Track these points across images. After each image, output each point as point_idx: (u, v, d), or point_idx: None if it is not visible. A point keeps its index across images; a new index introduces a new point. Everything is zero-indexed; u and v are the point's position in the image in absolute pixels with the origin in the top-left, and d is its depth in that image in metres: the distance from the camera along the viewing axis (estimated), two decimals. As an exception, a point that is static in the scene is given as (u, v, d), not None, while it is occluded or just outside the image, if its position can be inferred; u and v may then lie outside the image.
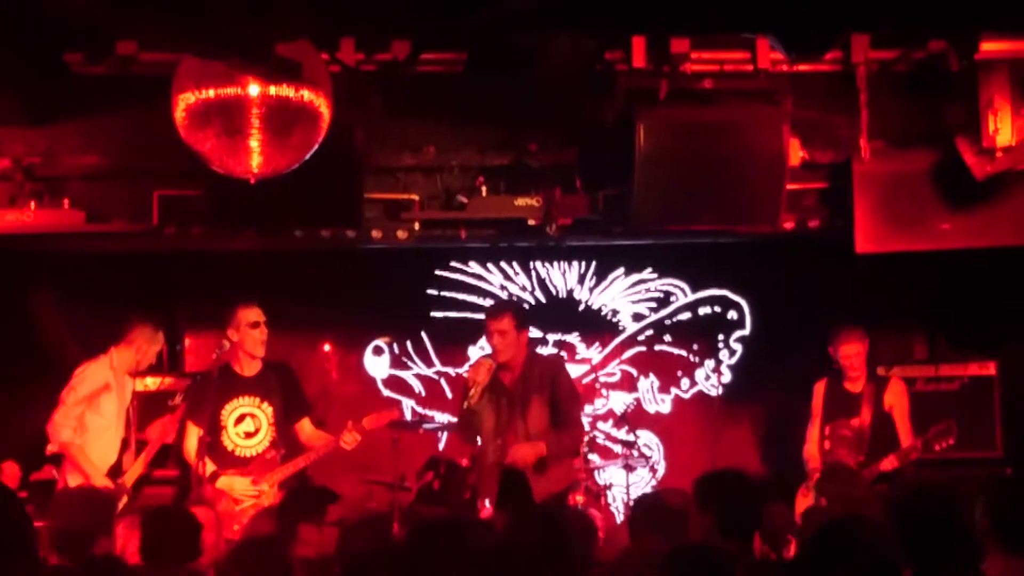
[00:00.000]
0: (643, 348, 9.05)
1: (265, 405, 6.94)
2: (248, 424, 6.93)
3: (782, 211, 6.98)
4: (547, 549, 4.17)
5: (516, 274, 8.96)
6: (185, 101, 5.25)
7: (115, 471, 7.03)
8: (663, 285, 9.05)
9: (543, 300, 9.01)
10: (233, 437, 6.90)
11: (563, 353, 8.76)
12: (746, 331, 8.96)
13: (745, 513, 4.50)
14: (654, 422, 8.94)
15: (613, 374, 8.99)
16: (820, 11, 5.37)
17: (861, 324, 7.44)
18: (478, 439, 6.96)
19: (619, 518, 8.13)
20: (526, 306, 8.86)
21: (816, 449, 7.44)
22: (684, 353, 9.05)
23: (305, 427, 7.05)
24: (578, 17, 5.62)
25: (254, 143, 5.28)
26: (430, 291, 8.91)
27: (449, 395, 8.81)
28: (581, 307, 9.03)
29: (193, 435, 6.78)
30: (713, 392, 8.67)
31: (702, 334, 9.02)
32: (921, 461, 7.34)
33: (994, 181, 6.78)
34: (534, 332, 8.69)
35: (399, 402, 8.80)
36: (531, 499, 6.43)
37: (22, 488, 7.01)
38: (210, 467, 6.65)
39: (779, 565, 4.93)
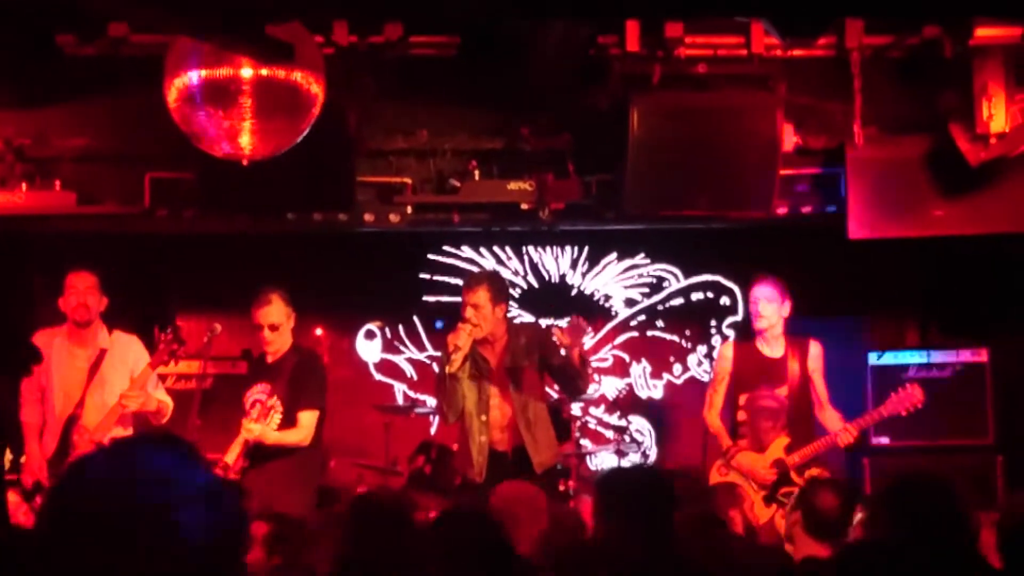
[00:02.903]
0: (635, 333, 9.04)
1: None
2: None
3: (775, 196, 6.96)
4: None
5: (509, 258, 8.95)
6: (177, 83, 5.22)
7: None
8: (656, 270, 9.04)
9: (536, 285, 9.00)
10: None
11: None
12: (739, 317, 8.93)
13: None
14: (646, 408, 8.94)
15: (605, 359, 8.98)
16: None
17: (854, 310, 7.37)
18: (458, 414, 6.42)
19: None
20: (520, 286, 8.87)
21: (718, 419, 6.87)
22: (676, 339, 9.04)
23: None
24: (572, 1, 5.59)
25: (246, 125, 5.24)
26: (422, 275, 8.88)
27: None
28: (574, 292, 9.01)
29: None
30: (705, 378, 8.66)
31: (695, 320, 9.01)
32: (912, 448, 7.34)
33: (988, 168, 6.77)
34: (527, 317, 8.71)
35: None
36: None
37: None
38: None
39: None
